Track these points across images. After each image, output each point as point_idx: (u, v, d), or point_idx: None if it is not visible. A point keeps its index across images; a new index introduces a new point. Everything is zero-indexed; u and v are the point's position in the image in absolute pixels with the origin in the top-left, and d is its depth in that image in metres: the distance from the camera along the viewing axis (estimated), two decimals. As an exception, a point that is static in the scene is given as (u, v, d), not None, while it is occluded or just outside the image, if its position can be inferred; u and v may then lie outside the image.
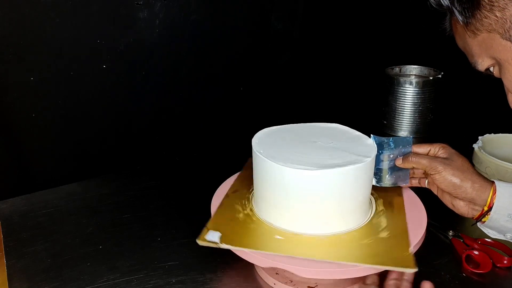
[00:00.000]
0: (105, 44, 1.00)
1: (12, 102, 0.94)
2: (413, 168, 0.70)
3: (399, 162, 0.70)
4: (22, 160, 0.99)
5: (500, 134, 0.94)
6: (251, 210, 0.70)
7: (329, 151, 0.67)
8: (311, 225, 0.64)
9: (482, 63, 0.58)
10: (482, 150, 0.87)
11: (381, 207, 0.71)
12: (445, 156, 0.68)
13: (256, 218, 0.68)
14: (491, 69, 0.59)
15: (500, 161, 0.84)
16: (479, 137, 0.92)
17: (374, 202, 0.72)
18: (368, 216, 0.69)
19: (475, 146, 0.89)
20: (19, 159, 0.99)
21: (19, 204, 0.89)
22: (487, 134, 0.93)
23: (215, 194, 0.76)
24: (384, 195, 0.74)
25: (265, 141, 0.70)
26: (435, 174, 0.66)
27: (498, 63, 0.57)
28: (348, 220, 0.65)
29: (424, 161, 0.67)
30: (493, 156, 0.84)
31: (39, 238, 0.79)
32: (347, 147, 0.68)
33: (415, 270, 0.57)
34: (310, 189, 0.62)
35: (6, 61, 0.90)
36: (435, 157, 0.68)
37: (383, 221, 0.67)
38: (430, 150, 0.70)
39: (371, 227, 0.66)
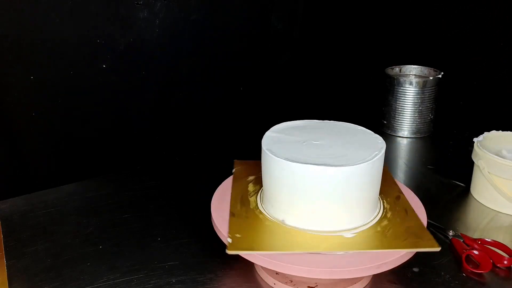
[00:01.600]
0: (105, 44, 1.00)
1: (12, 102, 0.94)
2: None
3: None
4: (22, 160, 0.99)
5: (502, 131, 0.95)
6: (259, 211, 0.70)
7: (340, 148, 0.67)
8: (330, 222, 0.64)
9: None
10: (479, 145, 0.89)
11: (387, 203, 0.72)
12: None
13: (270, 222, 0.67)
14: None
15: (491, 154, 0.85)
16: (485, 133, 0.94)
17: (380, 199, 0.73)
18: (378, 211, 0.69)
19: (475, 140, 0.92)
20: (19, 159, 0.99)
21: (19, 204, 0.89)
22: (494, 131, 0.95)
23: (215, 194, 0.76)
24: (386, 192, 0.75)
25: (274, 139, 0.70)
26: None
27: None
28: (360, 216, 0.66)
29: None
30: (490, 151, 0.87)
31: (39, 238, 0.79)
32: (357, 144, 0.68)
33: (438, 249, 0.60)
34: (330, 187, 0.62)
35: (6, 61, 0.90)
36: None
37: (394, 214, 0.69)
38: None
39: (384, 220, 0.67)
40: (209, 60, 1.19)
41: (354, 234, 0.64)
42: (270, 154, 0.65)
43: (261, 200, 0.72)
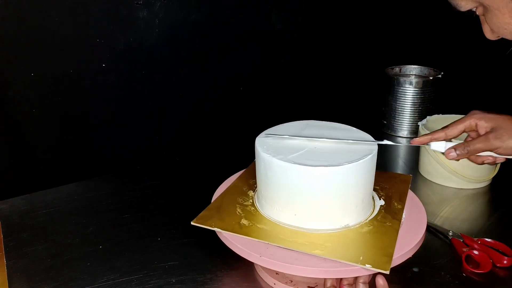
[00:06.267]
0: (105, 43, 1.00)
1: (12, 102, 0.94)
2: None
3: (453, 156, 0.68)
4: (22, 160, 0.99)
5: (447, 114, 1.05)
6: (252, 204, 0.71)
7: (332, 149, 0.67)
8: (312, 221, 0.65)
9: (466, 5, 0.59)
10: (423, 127, 0.99)
11: (382, 204, 0.71)
12: (490, 127, 0.66)
13: (256, 212, 0.69)
14: (474, 9, 0.59)
15: None
16: (427, 117, 1.05)
17: (378, 199, 0.72)
18: (368, 214, 0.69)
19: (419, 123, 1.02)
20: (20, 159, 0.99)
21: (19, 204, 0.89)
22: (435, 115, 1.06)
23: (215, 194, 0.76)
24: (389, 189, 0.75)
25: (268, 140, 0.70)
26: (497, 150, 0.65)
27: (484, 7, 0.58)
28: (346, 217, 0.66)
29: (479, 145, 0.66)
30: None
31: (39, 238, 0.79)
32: (348, 145, 0.68)
33: (387, 272, 0.57)
34: (313, 187, 0.63)
35: (6, 61, 0.90)
36: (485, 135, 0.66)
37: (378, 221, 0.68)
38: (464, 129, 0.69)
39: (364, 226, 0.66)
40: (209, 60, 1.19)
41: (320, 234, 0.64)
42: (259, 151, 0.66)
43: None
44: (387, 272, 0.57)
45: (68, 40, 0.96)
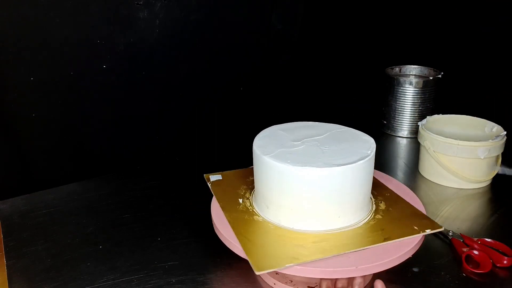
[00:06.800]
0: (105, 44, 1.00)
1: (12, 102, 0.94)
2: None
3: None
4: (23, 160, 0.99)
5: (447, 114, 1.06)
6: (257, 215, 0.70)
7: (329, 150, 0.68)
8: (327, 221, 0.65)
9: None
10: (423, 127, 0.99)
11: (380, 199, 0.73)
12: None
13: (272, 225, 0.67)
14: None
15: (434, 134, 0.95)
16: (427, 117, 1.05)
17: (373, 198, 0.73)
18: (371, 210, 0.70)
19: (419, 123, 1.02)
20: (20, 159, 0.99)
21: (19, 204, 0.89)
22: (435, 115, 1.06)
23: (212, 201, 0.76)
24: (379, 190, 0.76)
25: (266, 141, 0.70)
26: None
27: None
28: (356, 214, 0.67)
29: None
30: (433, 133, 0.96)
31: (39, 238, 0.79)
32: (346, 146, 0.69)
33: (442, 229, 0.65)
34: (317, 187, 0.63)
35: (6, 61, 0.90)
36: None
37: (388, 208, 0.70)
38: None
39: (378, 217, 0.69)
40: (209, 60, 1.19)
41: (346, 231, 0.65)
42: (259, 154, 0.66)
43: (255, 202, 0.72)
44: (443, 229, 0.65)
45: (68, 41, 0.96)
